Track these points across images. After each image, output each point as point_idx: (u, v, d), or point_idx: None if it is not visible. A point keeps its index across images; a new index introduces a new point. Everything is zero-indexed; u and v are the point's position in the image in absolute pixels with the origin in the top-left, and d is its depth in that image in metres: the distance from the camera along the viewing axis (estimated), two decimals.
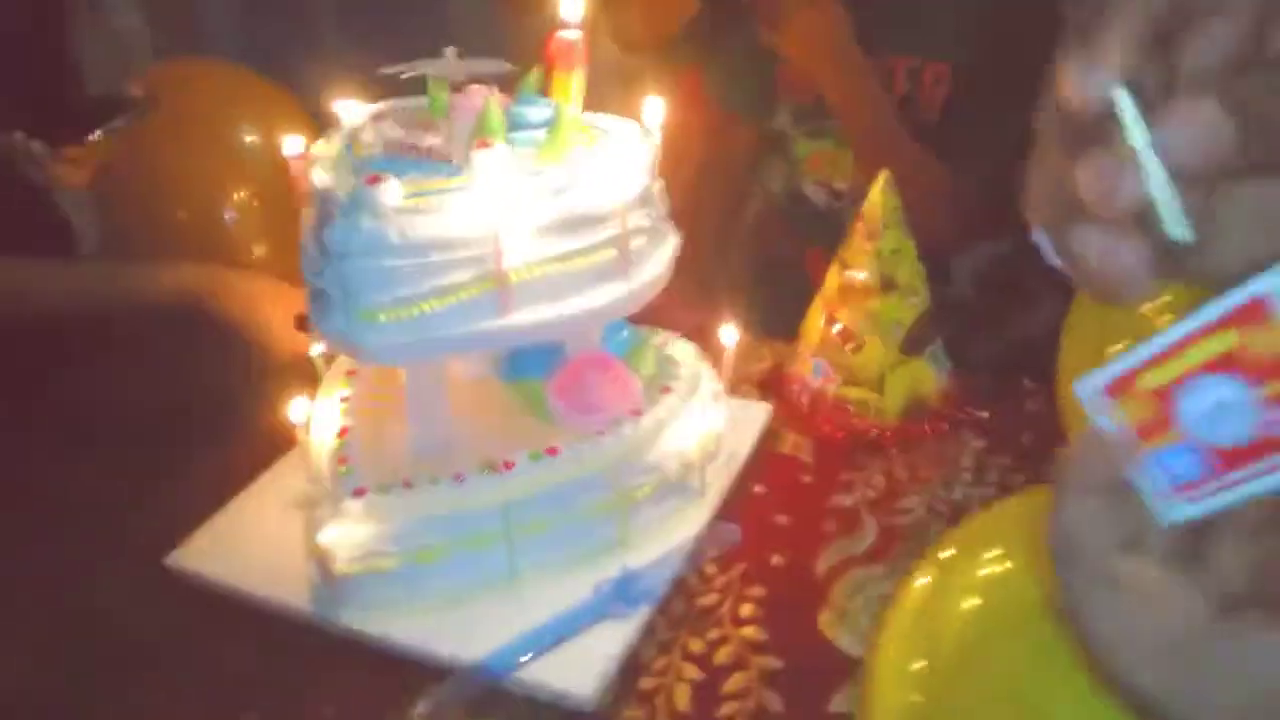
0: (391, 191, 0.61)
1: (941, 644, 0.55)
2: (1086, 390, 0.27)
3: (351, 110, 0.72)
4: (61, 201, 0.98)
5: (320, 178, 0.65)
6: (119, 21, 1.47)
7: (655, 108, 0.74)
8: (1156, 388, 0.25)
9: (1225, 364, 0.24)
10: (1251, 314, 0.23)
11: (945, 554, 0.60)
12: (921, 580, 0.59)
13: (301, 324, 0.88)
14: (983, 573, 0.59)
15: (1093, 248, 0.29)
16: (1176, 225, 0.26)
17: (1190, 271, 0.28)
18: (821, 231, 1.29)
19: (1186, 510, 0.25)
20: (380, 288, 0.62)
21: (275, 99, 1.19)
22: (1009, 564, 0.58)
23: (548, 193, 0.65)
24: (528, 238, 0.65)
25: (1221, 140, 0.26)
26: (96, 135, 0.93)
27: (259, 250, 1.15)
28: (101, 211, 1.04)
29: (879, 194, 0.90)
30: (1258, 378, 0.23)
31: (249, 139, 1.16)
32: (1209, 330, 0.24)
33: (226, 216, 1.17)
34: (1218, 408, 0.24)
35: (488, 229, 0.63)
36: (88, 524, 0.78)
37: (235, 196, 1.15)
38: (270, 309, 0.95)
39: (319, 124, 0.76)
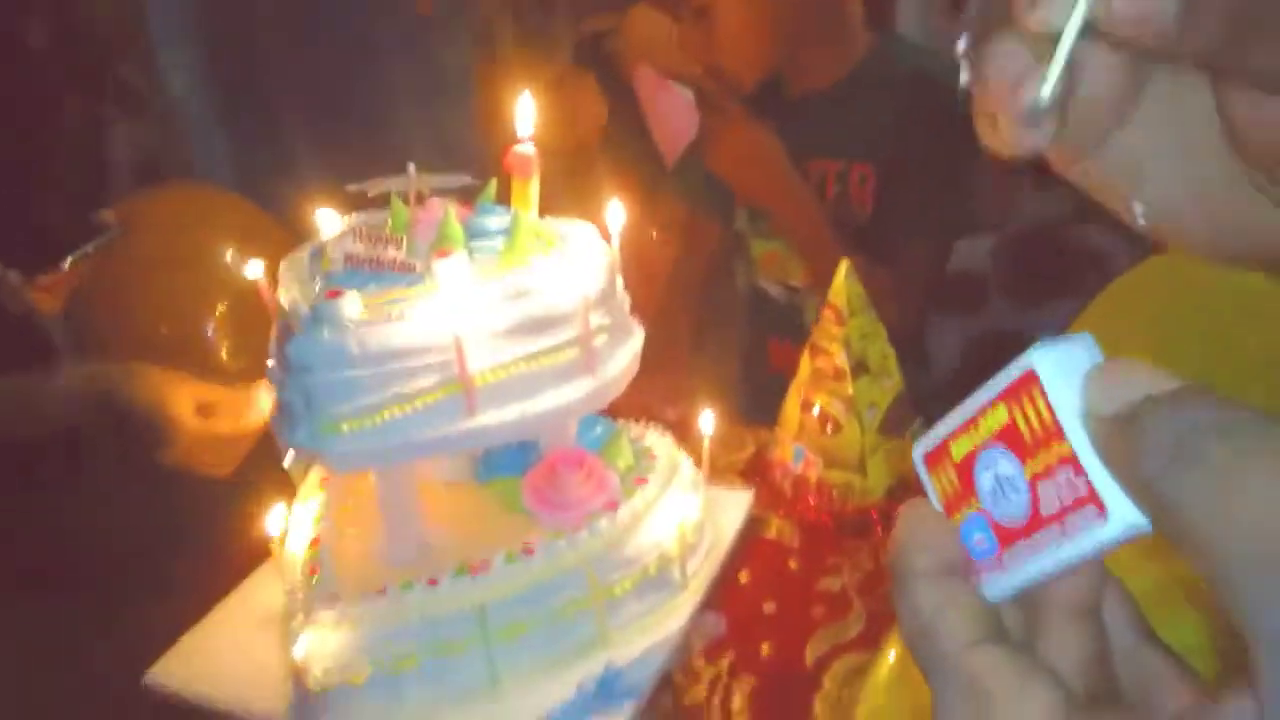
0: (351, 304, 0.63)
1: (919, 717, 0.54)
2: (914, 458, 0.26)
3: (330, 219, 0.75)
4: (42, 325, 1.01)
5: (284, 294, 0.67)
6: (111, 151, 1.53)
7: (616, 211, 0.77)
8: (961, 458, 0.24)
9: (1002, 437, 0.23)
10: (1021, 388, 0.22)
11: None
12: (894, 652, 0.59)
13: None
14: None
15: (1008, 66, 0.27)
16: (1047, 83, 0.25)
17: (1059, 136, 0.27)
18: (782, 323, 1.37)
19: (989, 590, 0.24)
20: (342, 398, 0.63)
21: (253, 217, 1.23)
22: None
23: (507, 297, 0.67)
24: (489, 342, 0.67)
25: (1162, 17, 0.24)
26: (68, 261, 0.96)
27: (240, 364, 1.17)
28: (77, 332, 1.07)
29: (843, 281, 0.92)
30: (1024, 454, 0.22)
31: (228, 256, 1.20)
32: (992, 401, 0.23)
33: (208, 331, 1.20)
34: (997, 482, 0.23)
35: (449, 335, 0.65)
36: (57, 658, 0.78)
37: (217, 312, 1.18)
38: (176, 397, 0.96)
39: (301, 238, 0.78)
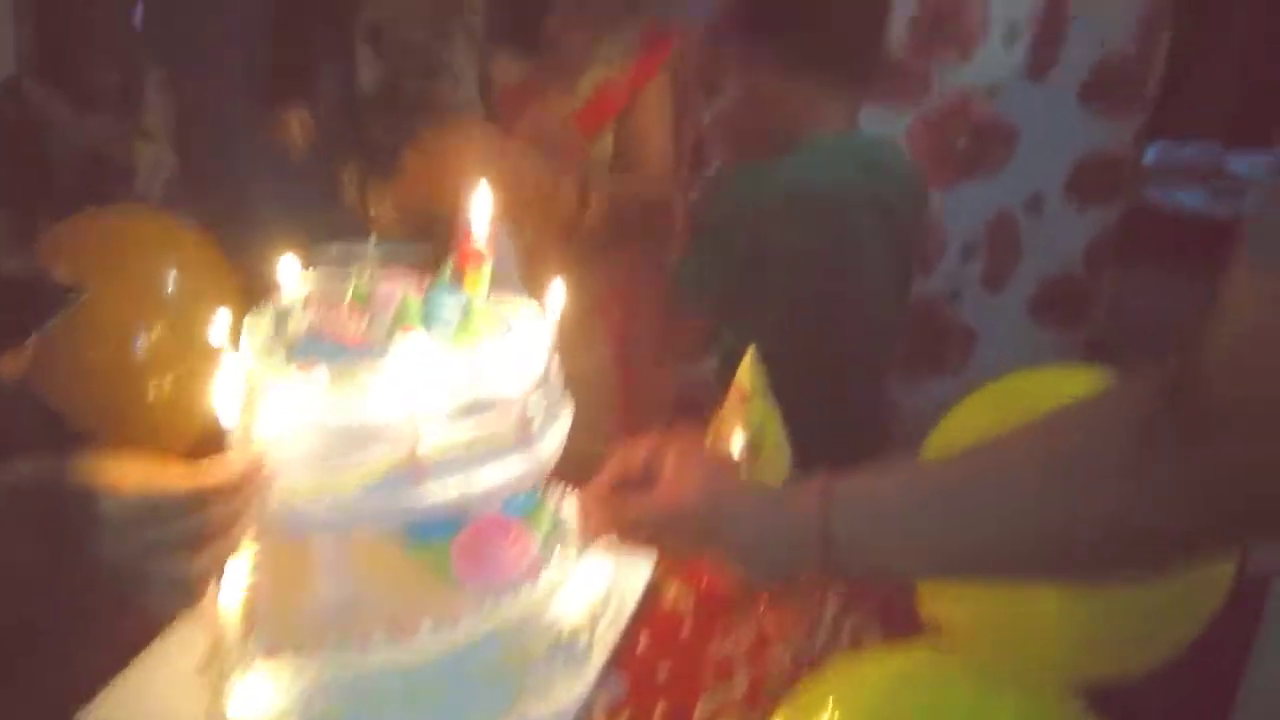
0: (318, 382, 0.67)
1: None
2: None
3: (292, 268, 0.77)
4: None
5: (246, 359, 0.70)
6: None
7: (557, 291, 0.83)
8: None
9: None
10: None
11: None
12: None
13: None
14: None
15: None
16: None
17: None
18: None
19: None
20: (299, 469, 0.67)
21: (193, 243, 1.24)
22: None
23: (459, 379, 0.72)
24: (439, 420, 0.71)
25: None
26: (32, 339, 0.94)
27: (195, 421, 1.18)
28: (38, 401, 1.05)
29: (749, 365, 1.01)
30: None
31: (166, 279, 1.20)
32: None
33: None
34: None
35: (403, 412, 0.69)
36: None
37: (171, 374, 1.18)
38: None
39: (262, 293, 0.80)
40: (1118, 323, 2.31)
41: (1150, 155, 2.65)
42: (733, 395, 1.02)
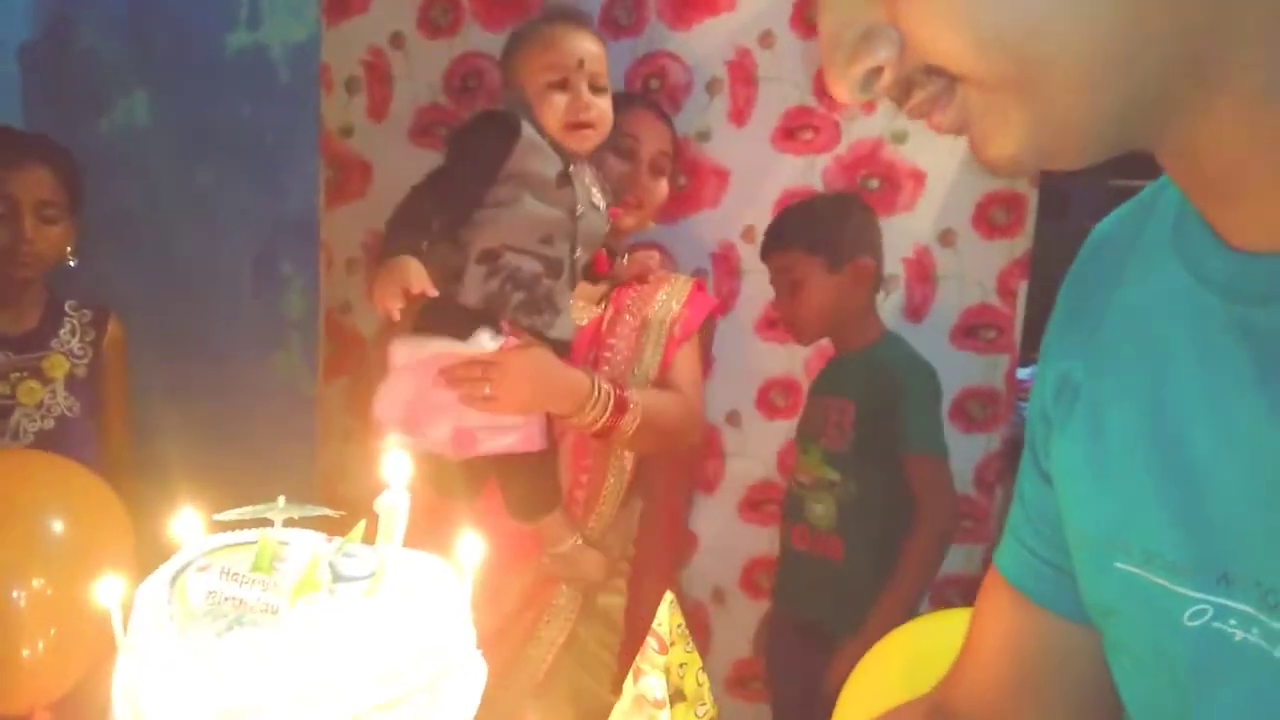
0: (212, 653, 0.63)
1: None
2: None
3: (192, 524, 0.74)
4: None
5: (140, 631, 0.66)
6: None
7: (471, 546, 0.81)
8: None
9: None
10: None
11: None
12: None
13: None
14: None
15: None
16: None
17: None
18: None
19: None
20: None
21: (90, 490, 1.19)
22: None
23: (364, 643, 0.69)
24: (343, 688, 0.68)
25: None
26: None
27: (45, 641, 1.10)
28: None
29: (666, 612, 0.99)
30: None
31: (54, 527, 1.14)
32: None
33: (14, 595, 1.12)
34: None
35: (305, 683, 0.65)
36: None
37: (31, 583, 1.11)
38: None
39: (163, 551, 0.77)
40: None
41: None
42: (650, 642, 1.00)
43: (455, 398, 1.66)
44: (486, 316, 1.69)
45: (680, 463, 2.15)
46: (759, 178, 2.39)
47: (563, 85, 1.75)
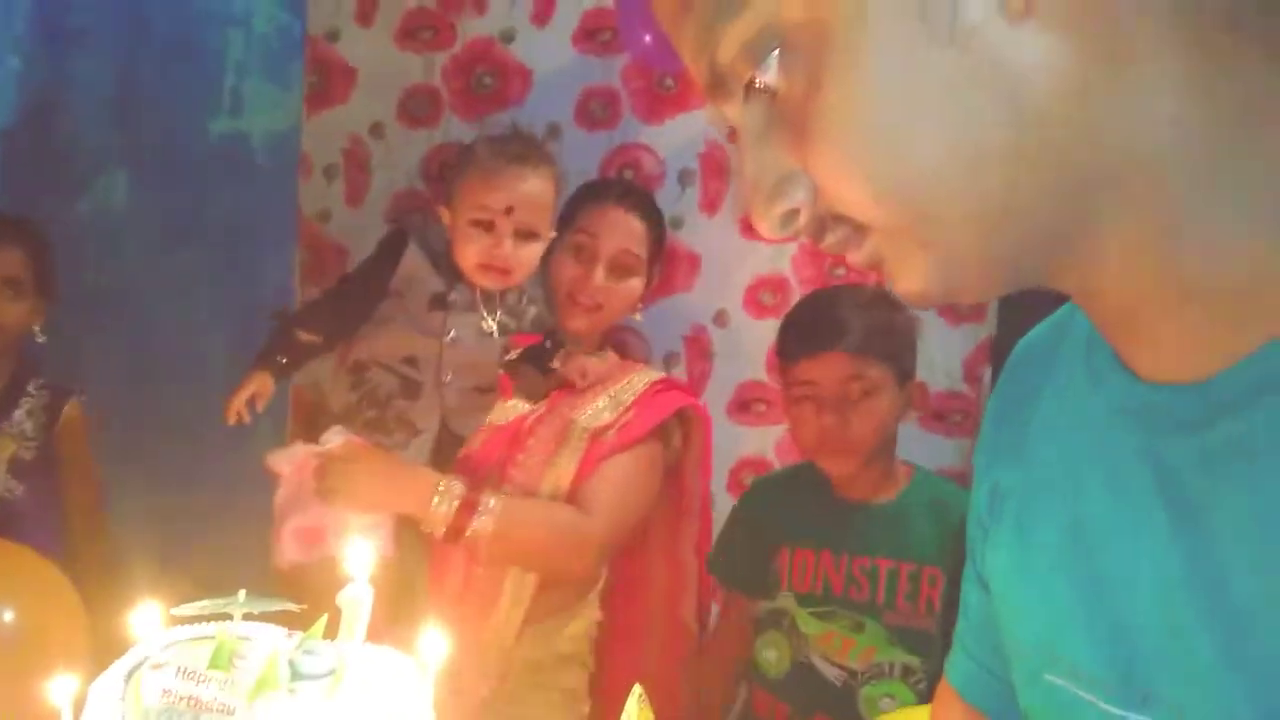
0: None
1: None
2: None
3: (150, 622, 0.74)
4: None
5: None
6: None
7: (434, 642, 0.81)
8: None
9: None
10: None
11: None
12: None
13: None
14: None
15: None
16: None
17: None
18: (834, 706, 1.67)
19: None
20: None
21: (42, 577, 1.17)
22: None
23: None
24: None
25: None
26: None
27: None
28: None
29: (635, 705, 0.98)
30: None
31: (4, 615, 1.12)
32: None
33: None
34: None
35: None
36: None
37: None
38: None
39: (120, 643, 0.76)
40: None
41: None
42: None
43: (306, 497, 1.69)
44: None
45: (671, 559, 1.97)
46: (730, 264, 2.44)
47: (488, 226, 1.77)
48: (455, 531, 1.66)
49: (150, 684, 0.70)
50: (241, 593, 0.75)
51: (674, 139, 2.44)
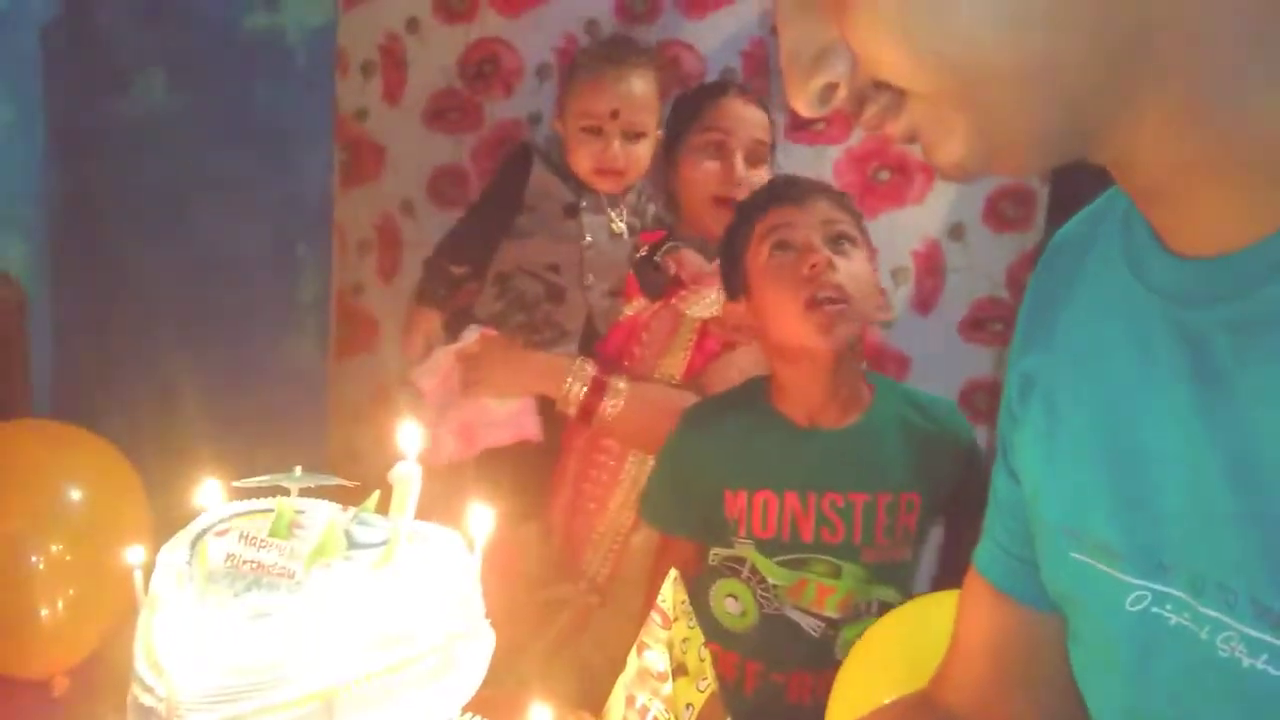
0: (230, 614, 0.66)
1: None
2: None
3: (213, 495, 0.77)
4: None
5: (160, 590, 0.69)
6: None
7: (482, 517, 0.84)
8: None
9: None
10: None
11: None
12: None
13: None
14: None
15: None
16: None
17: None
18: (812, 658, 1.50)
19: None
20: (206, 705, 0.65)
21: (103, 456, 1.21)
22: None
23: (378, 611, 0.71)
24: (355, 652, 0.70)
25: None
26: None
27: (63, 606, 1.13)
28: None
29: (670, 588, 1.02)
30: None
31: (72, 494, 1.18)
32: None
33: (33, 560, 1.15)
34: None
35: (318, 647, 0.68)
36: None
37: (49, 549, 1.14)
38: None
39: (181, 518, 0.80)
40: None
41: None
42: (654, 617, 1.02)
43: (456, 398, 1.81)
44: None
45: None
46: None
47: (597, 131, 1.87)
48: (587, 411, 1.77)
49: (215, 549, 0.73)
50: (298, 468, 0.78)
51: (716, 36, 2.38)
